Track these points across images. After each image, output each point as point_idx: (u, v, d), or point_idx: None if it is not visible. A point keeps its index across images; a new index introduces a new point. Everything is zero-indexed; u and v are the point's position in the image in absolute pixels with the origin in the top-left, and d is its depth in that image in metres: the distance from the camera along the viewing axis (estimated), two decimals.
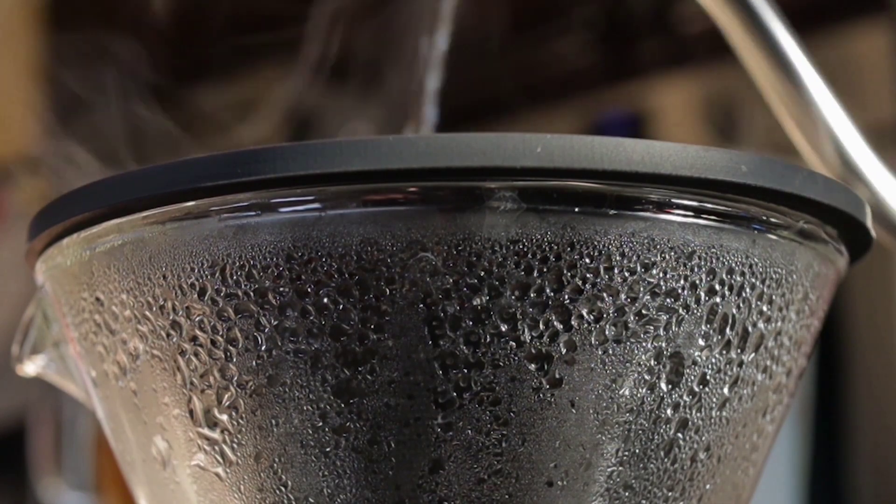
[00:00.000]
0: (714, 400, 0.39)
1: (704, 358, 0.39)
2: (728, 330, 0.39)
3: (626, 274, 0.37)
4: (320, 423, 0.37)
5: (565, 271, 0.37)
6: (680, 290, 0.38)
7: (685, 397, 0.39)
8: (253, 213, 0.37)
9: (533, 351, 0.37)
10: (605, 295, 0.37)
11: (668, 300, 0.38)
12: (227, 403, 0.38)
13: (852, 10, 1.47)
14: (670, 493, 0.39)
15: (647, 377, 0.38)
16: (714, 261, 0.38)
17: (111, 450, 0.44)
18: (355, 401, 0.37)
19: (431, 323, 0.37)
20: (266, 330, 0.37)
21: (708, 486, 0.40)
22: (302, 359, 0.37)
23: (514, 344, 0.37)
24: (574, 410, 0.37)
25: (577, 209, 0.37)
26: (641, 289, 0.37)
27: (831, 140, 0.49)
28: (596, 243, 0.37)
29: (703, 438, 0.39)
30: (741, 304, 0.39)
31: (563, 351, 0.37)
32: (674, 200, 0.37)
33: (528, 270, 0.37)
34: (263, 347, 0.37)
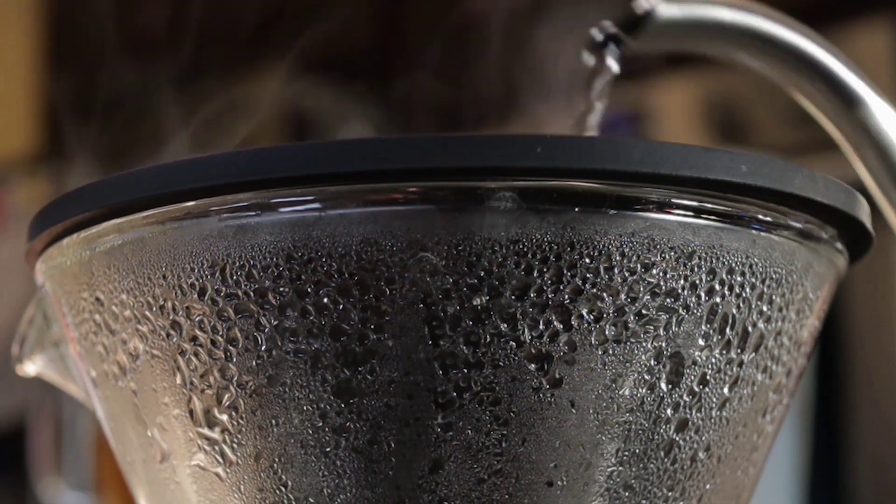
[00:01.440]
0: (714, 400, 0.39)
1: (704, 358, 0.39)
2: (728, 330, 0.39)
3: (626, 274, 0.37)
4: (320, 423, 0.37)
5: (565, 271, 0.37)
6: (680, 290, 0.38)
7: (685, 397, 0.39)
8: (253, 213, 0.37)
9: (533, 351, 0.37)
10: (605, 295, 0.37)
11: (668, 300, 0.38)
12: (227, 403, 0.38)
13: (853, 10, 1.47)
14: (670, 493, 0.39)
15: (647, 377, 0.38)
16: (714, 261, 0.38)
17: (111, 450, 0.44)
18: (355, 401, 0.37)
19: (431, 323, 0.37)
20: (266, 330, 0.37)
21: (708, 486, 0.40)
22: (302, 359, 0.37)
23: (514, 344, 0.37)
24: (574, 410, 0.37)
25: (577, 209, 0.37)
26: (641, 289, 0.37)
27: None
28: (596, 243, 0.37)
29: (703, 438, 0.39)
30: (741, 304, 0.39)
31: (563, 351, 0.37)
32: (674, 200, 0.37)
33: (528, 270, 0.37)
34: (263, 347, 0.37)
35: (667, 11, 0.48)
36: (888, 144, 0.49)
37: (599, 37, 0.49)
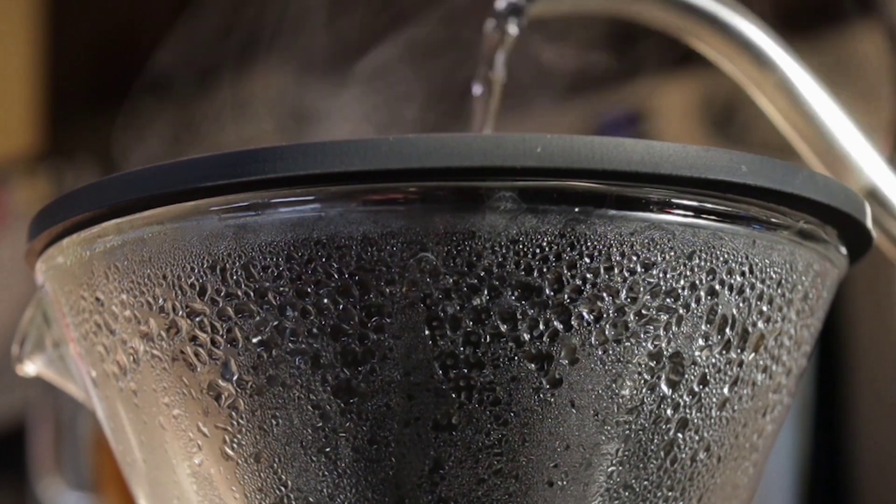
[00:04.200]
0: (714, 400, 0.39)
1: (704, 358, 0.39)
2: (728, 330, 0.39)
3: (626, 274, 0.37)
4: (320, 423, 0.37)
5: (565, 271, 0.37)
6: (680, 290, 0.38)
7: (685, 397, 0.39)
8: (253, 213, 0.37)
9: (533, 351, 0.37)
10: (605, 295, 0.37)
11: (668, 300, 0.38)
12: (227, 403, 0.38)
13: (852, 10, 1.47)
14: (670, 493, 0.39)
15: (647, 377, 0.38)
16: (714, 261, 0.38)
17: (111, 450, 0.44)
18: (355, 401, 0.37)
19: (431, 323, 0.37)
20: (266, 330, 0.37)
21: (708, 487, 0.40)
22: (302, 359, 0.37)
23: (514, 344, 0.37)
24: (574, 410, 0.37)
25: (577, 209, 0.37)
26: (641, 289, 0.37)
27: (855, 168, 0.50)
28: (596, 243, 0.37)
29: (704, 438, 0.39)
30: (741, 304, 0.39)
31: (564, 351, 0.37)
32: (674, 200, 0.37)
33: (528, 270, 0.37)
34: (263, 347, 0.37)
35: None
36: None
37: (502, 5, 0.51)
